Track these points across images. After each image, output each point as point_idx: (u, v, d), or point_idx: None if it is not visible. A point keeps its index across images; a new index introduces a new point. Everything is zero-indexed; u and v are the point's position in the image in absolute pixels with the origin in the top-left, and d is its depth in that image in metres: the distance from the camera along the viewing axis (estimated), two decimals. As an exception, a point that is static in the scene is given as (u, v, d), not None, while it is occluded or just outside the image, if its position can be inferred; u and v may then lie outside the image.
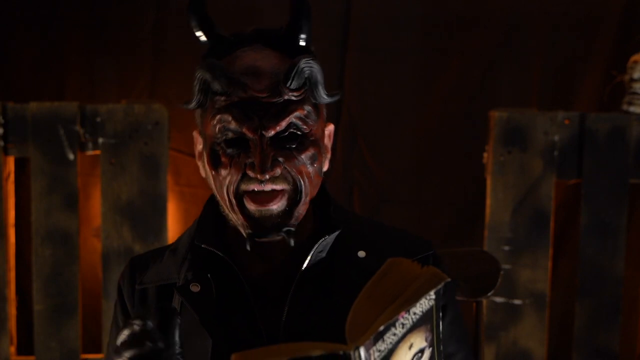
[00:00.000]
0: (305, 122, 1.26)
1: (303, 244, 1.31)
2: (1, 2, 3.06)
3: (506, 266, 2.69)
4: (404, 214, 3.10)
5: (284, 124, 1.24)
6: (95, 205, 2.94)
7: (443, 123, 3.08)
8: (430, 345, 1.07)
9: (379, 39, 3.03)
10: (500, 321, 2.74)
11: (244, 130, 1.24)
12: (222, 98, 1.25)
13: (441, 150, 3.09)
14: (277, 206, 1.26)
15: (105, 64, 3.10)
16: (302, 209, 1.28)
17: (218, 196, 1.30)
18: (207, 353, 1.26)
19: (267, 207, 1.25)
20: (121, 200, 2.72)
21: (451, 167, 3.08)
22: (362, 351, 0.97)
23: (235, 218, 1.28)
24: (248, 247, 1.27)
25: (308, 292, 1.30)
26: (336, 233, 1.33)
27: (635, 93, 2.74)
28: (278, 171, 1.24)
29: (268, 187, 1.24)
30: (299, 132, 1.26)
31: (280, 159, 1.24)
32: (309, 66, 1.24)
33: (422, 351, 1.05)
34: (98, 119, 2.71)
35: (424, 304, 1.03)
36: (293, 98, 1.25)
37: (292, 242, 1.27)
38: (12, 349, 2.83)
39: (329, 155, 1.36)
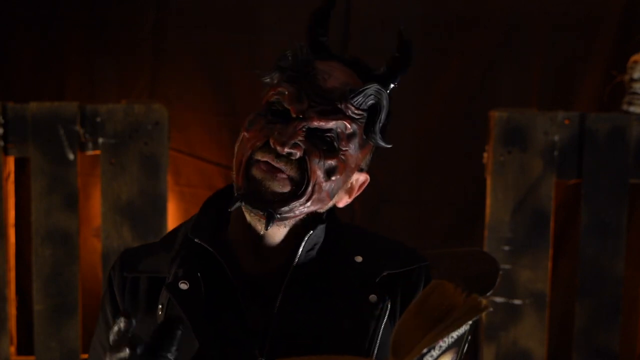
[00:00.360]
0: (344, 139, 1.28)
1: (291, 246, 1.32)
2: (1, 2, 3.06)
3: (506, 266, 2.69)
4: (404, 214, 3.09)
5: (327, 123, 1.26)
6: (95, 205, 2.94)
7: (443, 123, 3.08)
8: None
9: (379, 39, 3.03)
10: (500, 321, 2.74)
11: (291, 107, 1.26)
12: (291, 73, 1.27)
13: (441, 150, 3.09)
14: (277, 183, 1.26)
15: (105, 64, 3.10)
16: (295, 207, 1.27)
17: (234, 161, 1.30)
18: (192, 349, 1.26)
19: (269, 177, 1.25)
20: (121, 200, 2.72)
21: (451, 167, 3.08)
22: None
23: (236, 179, 1.29)
24: (230, 209, 1.28)
25: (300, 291, 1.30)
26: (321, 227, 1.33)
27: (635, 93, 2.74)
28: (297, 154, 1.25)
29: (280, 165, 1.25)
30: (334, 144, 1.27)
31: (304, 147, 1.25)
32: (378, 96, 1.27)
33: None
34: (98, 119, 2.72)
35: (460, 329, 1.04)
36: (348, 112, 1.27)
37: (267, 228, 1.26)
38: (12, 349, 2.83)
39: (348, 199, 1.36)
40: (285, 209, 1.27)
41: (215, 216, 1.37)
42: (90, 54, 3.10)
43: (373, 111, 1.28)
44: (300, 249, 1.31)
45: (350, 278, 1.31)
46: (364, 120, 1.29)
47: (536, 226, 2.72)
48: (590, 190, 2.72)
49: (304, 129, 1.25)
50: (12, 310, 2.81)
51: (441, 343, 1.01)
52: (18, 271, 2.91)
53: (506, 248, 2.72)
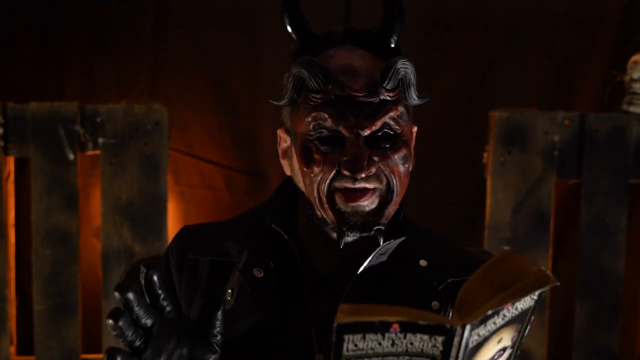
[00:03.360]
0: (398, 123, 1.27)
1: (366, 246, 1.31)
2: (1, 2, 3.06)
3: (506, 266, 2.69)
4: (404, 214, 3.09)
5: (379, 123, 1.25)
6: (95, 205, 2.94)
7: (443, 123, 3.08)
8: (512, 346, 1.05)
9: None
10: (500, 321, 2.74)
11: (340, 128, 1.25)
12: (318, 96, 1.26)
13: (441, 150, 3.09)
14: (367, 202, 1.26)
15: (105, 64, 3.10)
16: (392, 209, 1.29)
17: (307, 193, 1.30)
18: (258, 338, 1.26)
19: (358, 203, 1.25)
20: (121, 200, 2.72)
21: (451, 167, 3.08)
22: (467, 330, 0.95)
23: (325, 215, 1.28)
24: (340, 246, 1.27)
25: (364, 293, 1.29)
26: (401, 239, 1.33)
27: (635, 93, 2.74)
28: (373, 170, 1.25)
29: (361, 185, 1.25)
30: (392, 132, 1.27)
31: (375, 158, 1.25)
32: (405, 67, 1.26)
33: (504, 349, 1.04)
34: (98, 119, 2.72)
35: (526, 302, 1.01)
36: (388, 98, 1.26)
37: (381, 241, 1.28)
38: (12, 349, 2.83)
39: (413, 158, 1.37)
40: (386, 215, 1.28)
41: (290, 199, 1.37)
42: (90, 54, 3.10)
43: (405, 81, 1.28)
44: (373, 254, 1.30)
45: (414, 283, 1.31)
46: (402, 94, 1.29)
47: (536, 226, 2.72)
48: (590, 190, 2.73)
49: (364, 142, 1.25)
50: (12, 310, 2.81)
51: (505, 311, 0.99)
52: (18, 271, 2.91)
53: (506, 248, 2.72)
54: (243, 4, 3.07)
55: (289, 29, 1.32)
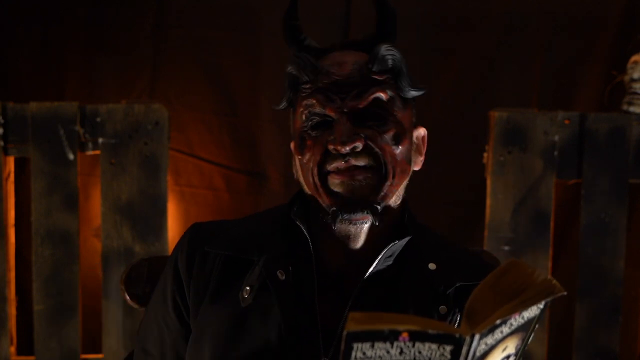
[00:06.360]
0: (389, 105, 1.29)
1: (374, 247, 1.31)
2: (1, 2, 3.06)
3: (506, 266, 2.69)
4: (404, 214, 3.09)
5: (365, 102, 1.27)
6: (95, 205, 2.94)
7: (443, 123, 3.08)
8: (516, 354, 1.06)
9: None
10: (500, 321, 2.74)
11: (327, 110, 1.27)
12: (308, 86, 1.29)
13: (441, 150, 3.08)
14: (361, 177, 1.26)
15: (105, 64, 3.10)
16: (388, 189, 1.28)
17: (305, 184, 1.31)
18: (271, 337, 1.26)
19: (350, 180, 1.26)
20: (121, 200, 2.72)
21: (451, 167, 3.08)
22: (476, 339, 0.95)
23: (320, 200, 1.29)
24: (334, 227, 1.27)
25: (372, 296, 1.29)
26: (406, 239, 1.33)
27: (635, 93, 2.74)
28: (359, 145, 1.25)
29: (351, 162, 1.26)
30: (383, 114, 1.28)
31: (362, 134, 1.26)
32: (391, 54, 1.30)
33: (508, 357, 1.04)
34: (98, 119, 2.72)
35: (532, 311, 1.02)
36: (376, 79, 1.28)
37: (377, 222, 1.27)
38: (12, 349, 2.83)
39: (421, 159, 1.39)
40: (381, 194, 1.28)
41: (304, 206, 1.37)
42: (90, 54, 3.10)
43: (395, 69, 1.30)
44: (380, 257, 1.30)
45: (422, 286, 1.30)
46: (393, 82, 1.30)
47: (536, 226, 2.72)
48: (590, 190, 2.72)
49: (351, 119, 1.26)
50: (12, 310, 2.81)
51: (512, 320, 0.99)
52: (18, 271, 2.91)
53: (506, 248, 2.72)
54: (243, 4, 3.07)
55: (290, 45, 1.35)
